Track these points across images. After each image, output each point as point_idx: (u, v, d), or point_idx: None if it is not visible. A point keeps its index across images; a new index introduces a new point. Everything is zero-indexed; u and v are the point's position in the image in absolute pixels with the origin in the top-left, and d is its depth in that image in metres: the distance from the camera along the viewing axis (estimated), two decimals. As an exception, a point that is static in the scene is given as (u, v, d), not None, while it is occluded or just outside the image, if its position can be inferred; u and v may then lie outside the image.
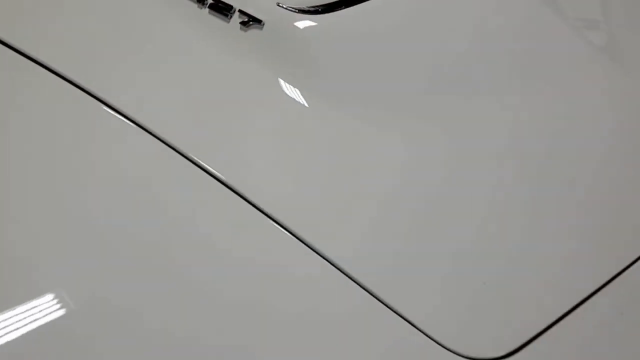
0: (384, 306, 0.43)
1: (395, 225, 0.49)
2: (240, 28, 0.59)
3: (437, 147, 0.56)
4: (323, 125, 0.55)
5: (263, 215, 0.46)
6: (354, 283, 0.43)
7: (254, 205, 0.46)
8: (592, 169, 0.59)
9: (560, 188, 0.55)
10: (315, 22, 0.59)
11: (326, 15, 0.59)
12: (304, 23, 0.59)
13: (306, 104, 0.55)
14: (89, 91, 0.52)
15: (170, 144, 0.49)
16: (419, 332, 0.42)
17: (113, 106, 0.51)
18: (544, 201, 0.54)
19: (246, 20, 0.58)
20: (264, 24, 0.58)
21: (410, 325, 0.42)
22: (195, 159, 0.48)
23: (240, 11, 0.59)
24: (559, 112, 0.61)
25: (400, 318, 0.42)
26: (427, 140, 0.56)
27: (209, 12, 0.60)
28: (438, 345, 0.41)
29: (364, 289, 0.43)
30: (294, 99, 0.55)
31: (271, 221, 0.46)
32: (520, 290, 0.48)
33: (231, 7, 0.59)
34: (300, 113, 0.55)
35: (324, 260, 0.44)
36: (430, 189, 0.53)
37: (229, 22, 0.59)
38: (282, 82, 0.57)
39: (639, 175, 0.59)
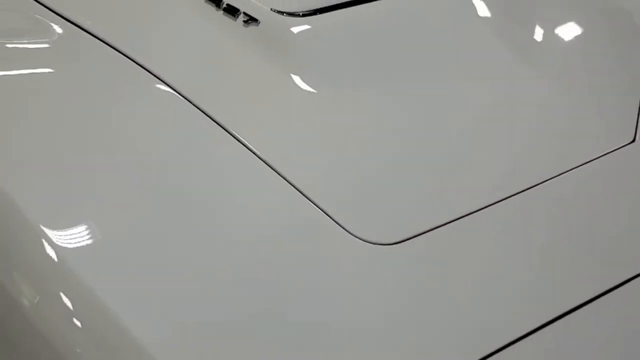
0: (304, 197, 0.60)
1: (345, 155, 0.68)
2: (244, 25, 0.81)
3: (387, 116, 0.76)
4: (305, 97, 0.76)
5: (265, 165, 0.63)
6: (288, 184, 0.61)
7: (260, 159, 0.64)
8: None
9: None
10: (296, 22, 0.81)
11: (305, 17, 0.81)
12: (288, 22, 0.81)
13: (288, 78, 0.77)
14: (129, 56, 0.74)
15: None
16: (327, 215, 0.59)
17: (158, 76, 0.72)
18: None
19: (247, 19, 0.81)
20: (259, 22, 0.81)
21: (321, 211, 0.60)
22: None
23: (244, 13, 0.81)
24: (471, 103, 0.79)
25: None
26: (384, 110, 0.76)
27: (223, 14, 0.83)
28: (341, 229, 0.59)
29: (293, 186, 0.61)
30: (277, 73, 0.77)
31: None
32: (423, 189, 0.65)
33: (238, 10, 0.82)
34: (283, 85, 0.76)
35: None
36: (377, 136, 0.72)
37: (235, 20, 0.82)
38: (269, 63, 0.78)
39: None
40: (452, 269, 0.58)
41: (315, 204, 0.59)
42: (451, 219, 0.61)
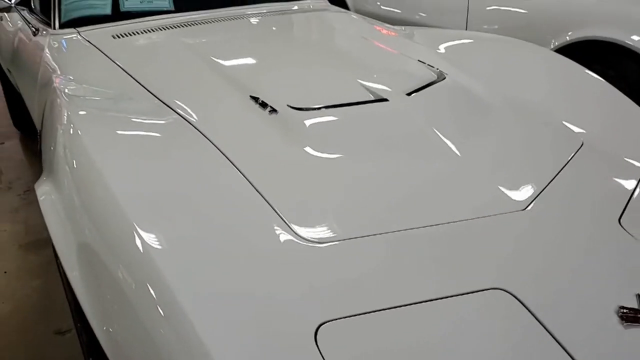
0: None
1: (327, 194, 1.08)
2: (269, 114, 1.29)
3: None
4: (303, 159, 1.18)
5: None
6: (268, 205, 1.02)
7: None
8: None
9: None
10: (301, 114, 1.28)
11: (306, 111, 1.28)
12: (296, 113, 1.28)
13: (294, 146, 1.20)
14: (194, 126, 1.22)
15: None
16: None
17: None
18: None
19: (271, 110, 1.29)
20: (278, 112, 1.28)
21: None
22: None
23: (270, 106, 1.30)
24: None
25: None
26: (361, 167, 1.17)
27: (259, 107, 1.32)
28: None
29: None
30: (286, 143, 1.21)
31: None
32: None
33: (267, 104, 1.30)
34: (288, 150, 1.20)
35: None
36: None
37: (264, 111, 1.30)
38: (281, 137, 1.23)
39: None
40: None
41: (289, 226, 0.98)
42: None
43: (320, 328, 0.78)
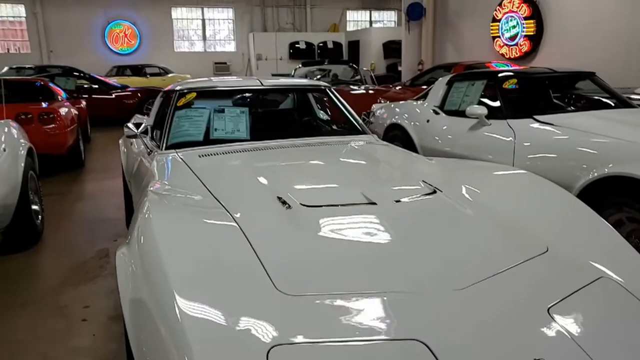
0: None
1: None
2: (285, 209, 1.76)
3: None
4: (304, 228, 1.61)
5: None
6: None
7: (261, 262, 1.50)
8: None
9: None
10: (307, 210, 1.73)
11: (311, 208, 1.73)
12: (305, 209, 1.73)
13: (296, 229, 1.63)
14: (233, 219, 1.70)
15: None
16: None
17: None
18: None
19: (287, 206, 1.76)
20: (292, 207, 1.74)
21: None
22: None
23: (287, 203, 1.77)
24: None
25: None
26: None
27: (280, 203, 1.79)
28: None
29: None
30: (293, 224, 1.64)
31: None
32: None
33: (285, 202, 1.78)
34: (292, 231, 1.63)
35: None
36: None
37: (283, 207, 1.77)
38: (291, 221, 1.68)
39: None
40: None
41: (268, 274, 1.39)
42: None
43: (272, 349, 1.14)
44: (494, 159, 3.62)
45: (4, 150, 3.33)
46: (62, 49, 16.68)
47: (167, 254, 1.43)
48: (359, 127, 3.13)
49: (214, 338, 1.17)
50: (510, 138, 3.60)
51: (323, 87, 3.35)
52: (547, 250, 1.65)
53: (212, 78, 3.64)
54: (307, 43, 18.93)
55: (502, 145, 3.64)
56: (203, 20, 19.25)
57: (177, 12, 18.72)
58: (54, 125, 5.66)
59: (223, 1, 19.07)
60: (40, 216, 3.90)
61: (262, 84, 3.12)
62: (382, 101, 6.32)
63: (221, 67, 18.95)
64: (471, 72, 4.55)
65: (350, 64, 9.02)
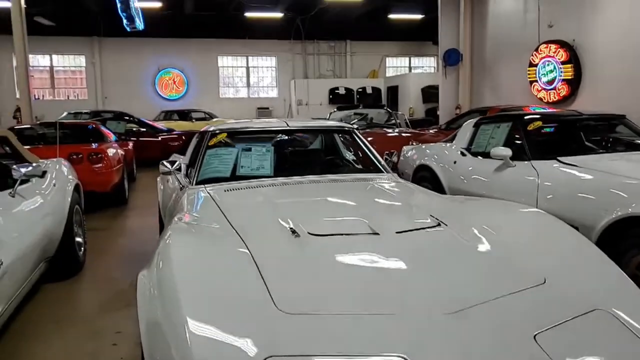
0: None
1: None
2: (295, 237, 1.88)
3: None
4: (308, 254, 1.73)
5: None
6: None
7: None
8: None
9: None
10: (313, 238, 1.85)
11: (316, 236, 1.85)
12: (311, 237, 1.85)
13: (302, 255, 1.75)
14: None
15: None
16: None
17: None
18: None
19: (296, 235, 1.88)
20: (300, 236, 1.87)
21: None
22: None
23: (296, 232, 1.90)
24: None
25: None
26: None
27: (292, 233, 1.93)
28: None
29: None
30: (300, 250, 1.76)
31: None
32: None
33: (296, 232, 1.91)
34: (298, 257, 1.75)
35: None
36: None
37: (293, 236, 1.90)
38: (299, 247, 1.80)
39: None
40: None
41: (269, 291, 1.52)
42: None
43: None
44: (517, 199, 3.63)
45: (54, 185, 3.64)
46: (115, 95, 17.77)
47: (180, 278, 1.56)
48: (379, 166, 3.26)
49: (217, 353, 1.29)
50: (533, 178, 3.63)
51: (348, 129, 3.52)
52: (544, 282, 1.70)
53: (243, 120, 3.88)
54: (346, 89, 19.41)
55: (525, 186, 3.67)
56: (247, 68, 20.15)
57: (223, 61, 19.69)
58: (101, 164, 6.06)
59: (267, 50, 19.94)
60: (82, 248, 4.17)
61: (287, 125, 3.32)
62: (414, 143, 6.44)
63: (263, 112, 19.63)
64: (498, 115, 4.63)
65: (385, 108, 9.23)
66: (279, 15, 16.87)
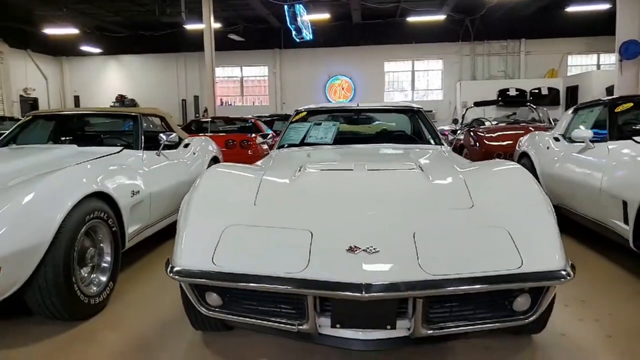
0: None
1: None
2: (298, 171, 2.56)
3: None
4: (295, 179, 2.42)
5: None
6: None
7: None
8: None
9: None
10: (309, 171, 2.52)
11: (312, 170, 2.52)
12: (308, 170, 2.52)
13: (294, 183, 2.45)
14: None
15: None
16: None
17: None
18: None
19: (300, 170, 2.56)
20: (301, 170, 2.55)
21: None
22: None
23: (300, 169, 2.58)
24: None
25: None
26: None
27: (299, 168, 2.62)
28: None
29: None
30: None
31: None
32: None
33: (301, 168, 2.59)
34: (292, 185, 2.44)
35: None
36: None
37: (298, 171, 2.58)
38: (294, 175, 2.50)
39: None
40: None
41: None
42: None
43: (227, 228, 1.99)
44: (590, 181, 3.66)
45: (194, 153, 4.86)
46: (292, 101, 19.94)
47: (197, 193, 2.28)
48: (433, 139, 3.70)
49: (202, 223, 2.07)
50: (604, 159, 3.61)
51: (415, 109, 4.00)
52: (472, 207, 2.09)
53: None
54: (517, 90, 18.58)
55: (596, 166, 3.67)
56: (412, 71, 20.67)
57: (389, 66, 20.55)
58: (250, 150, 7.41)
59: (433, 53, 20.21)
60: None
61: (358, 106, 3.97)
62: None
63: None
64: (595, 100, 4.49)
65: (529, 104, 8.93)
66: (441, 17, 17.09)
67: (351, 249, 1.79)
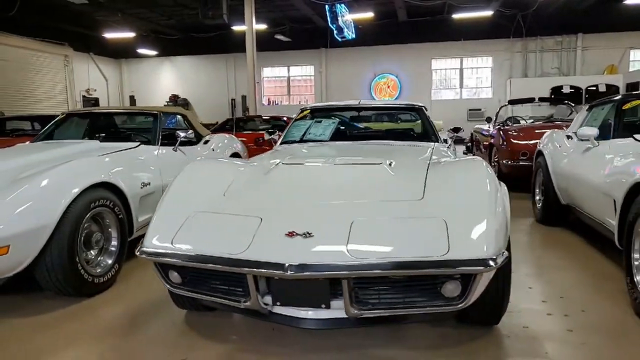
0: None
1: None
2: (275, 165, 2.76)
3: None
4: (268, 172, 2.62)
5: None
6: None
7: None
8: None
9: None
10: (280, 166, 2.71)
11: (283, 165, 2.71)
12: (282, 165, 2.72)
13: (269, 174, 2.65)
14: None
15: None
16: None
17: None
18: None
19: (277, 164, 2.76)
20: (279, 164, 2.74)
21: None
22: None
23: (279, 163, 2.77)
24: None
25: None
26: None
27: (277, 162, 2.82)
28: None
29: None
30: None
31: None
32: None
33: (280, 163, 2.78)
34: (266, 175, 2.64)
35: None
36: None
37: (276, 164, 2.78)
38: (269, 169, 2.69)
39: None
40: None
41: None
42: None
43: (193, 214, 2.23)
44: (591, 178, 3.62)
45: (213, 149, 5.15)
46: (337, 99, 20.15)
47: (176, 182, 2.56)
48: (432, 136, 3.78)
49: (172, 209, 2.31)
50: (606, 156, 3.56)
51: (417, 107, 4.09)
52: (421, 198, 2.21)
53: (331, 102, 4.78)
54: (572, 87, 17.84)
55: (597, 164, 3.62)
56: (461, 69, 20.30)
57: (437, 64, 20.29)
58: (278, 147, 7.73)
59: (482, 50, 19.78)
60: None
61: (359, 104, 4.10)
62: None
63: (474, 113, 19.54)
64: (607, 97, 4.37)
65: (566, 102, 8.61)
66: (489, 13, 16.72)
67: (290, 234, 1.96)
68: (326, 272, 1.82)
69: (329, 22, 13.12)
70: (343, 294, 1.89)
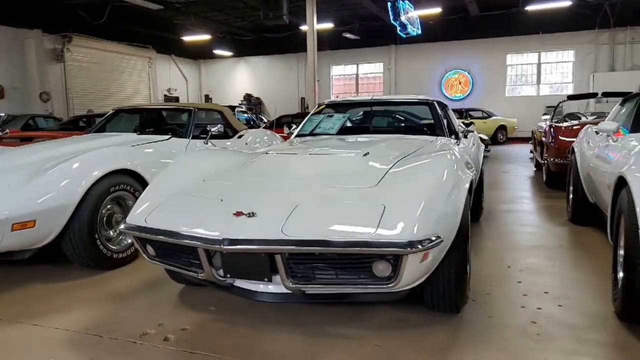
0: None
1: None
2: (264, 154, 2.99)
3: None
4: (258, 160, 2.86)
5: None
6: None
7: None
8: None
9: None
10: (271, 154, 2.94)
11: (274, 154, 2.93)
12: (268, 154, 2.94)
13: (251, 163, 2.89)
14: None
15: None
16: None
17: None
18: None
19: (266, 153, 2.98)
20: (267, 154, 2.97)
21: None
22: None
23: (262, 153, 3.00)
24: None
25: None
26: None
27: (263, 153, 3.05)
28: None
29: None
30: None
31: None
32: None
33: (268, 152, 3.01)
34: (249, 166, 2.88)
35: None
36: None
37: (266, 153, 3.00)
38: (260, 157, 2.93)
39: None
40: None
41: None
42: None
43: (172, 195, 2.52)
44: (606, 169, 3.49)
45: (245, 144, 5.48)
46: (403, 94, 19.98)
47: (172, 166, 2.90)
48: (442, 131, 3.82)
49: (155, 191, 2.62)
50: (623, 151, 3.41)
51: (430, 101, 4.13)
52: (375, 185, 2.34)
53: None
54: (665, 81, 16.40)
55: (611, 159, 3.48)
56: (539, 64, 19.34)
57: (512, 59, 19.47)
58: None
59: (563, 43, 18.71)
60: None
61: (372, 98, 4.22)
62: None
63: (550, 110, 18.54)
64: (638, 92, 4.12)
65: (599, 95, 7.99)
66: (566, 4, 15.81)
67: (237, 213, 2.18)
68: (256, 247, 2.02)
69: (392, 19, 13.12)
70: (278, 268, 2.07)
